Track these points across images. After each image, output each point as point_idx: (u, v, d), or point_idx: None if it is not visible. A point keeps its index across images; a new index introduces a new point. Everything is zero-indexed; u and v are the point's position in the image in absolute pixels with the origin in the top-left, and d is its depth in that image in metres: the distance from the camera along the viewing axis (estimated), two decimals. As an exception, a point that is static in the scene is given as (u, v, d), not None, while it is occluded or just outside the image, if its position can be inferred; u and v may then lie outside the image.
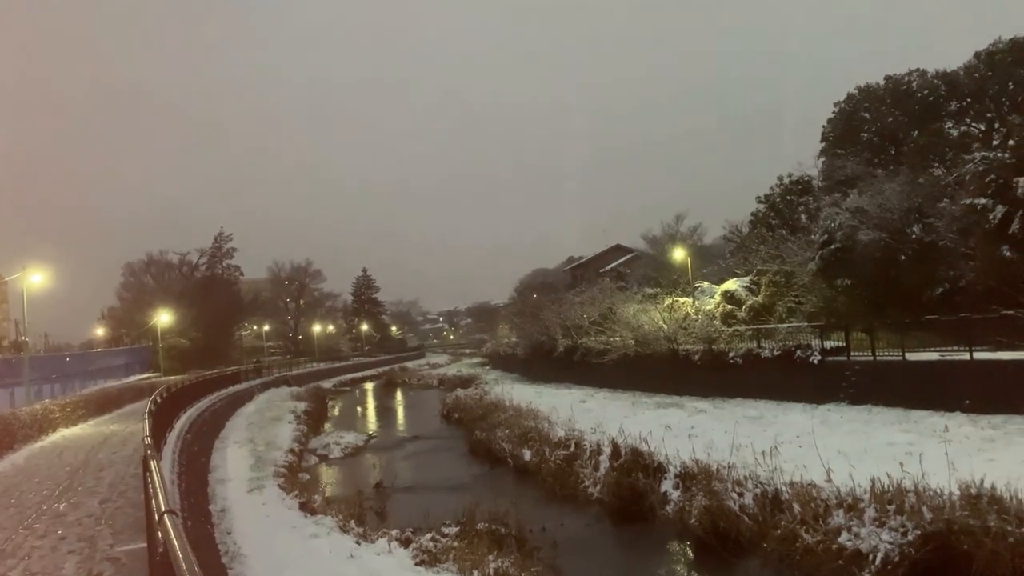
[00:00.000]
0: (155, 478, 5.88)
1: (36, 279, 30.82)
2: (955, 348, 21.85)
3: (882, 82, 43.97)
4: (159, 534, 4.21)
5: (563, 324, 48.52)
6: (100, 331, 69.48)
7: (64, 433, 22.51)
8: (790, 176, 42.85)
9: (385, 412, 48.14)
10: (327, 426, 38.57)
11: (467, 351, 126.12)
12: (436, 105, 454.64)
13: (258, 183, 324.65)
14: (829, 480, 13.34)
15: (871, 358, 24.00)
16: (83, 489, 12.43)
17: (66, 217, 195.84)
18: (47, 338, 60.35)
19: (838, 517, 12.14)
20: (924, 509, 11.17)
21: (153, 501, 5.42)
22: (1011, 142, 23.34)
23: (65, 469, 14.90)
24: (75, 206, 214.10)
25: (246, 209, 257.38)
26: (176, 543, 3.43)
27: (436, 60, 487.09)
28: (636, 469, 17.44)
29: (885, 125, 43.16)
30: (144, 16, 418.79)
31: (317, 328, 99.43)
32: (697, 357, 32.12)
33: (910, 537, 10.83)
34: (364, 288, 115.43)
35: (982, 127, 40.75)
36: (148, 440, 9.98)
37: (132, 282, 74.37)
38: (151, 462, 6.88)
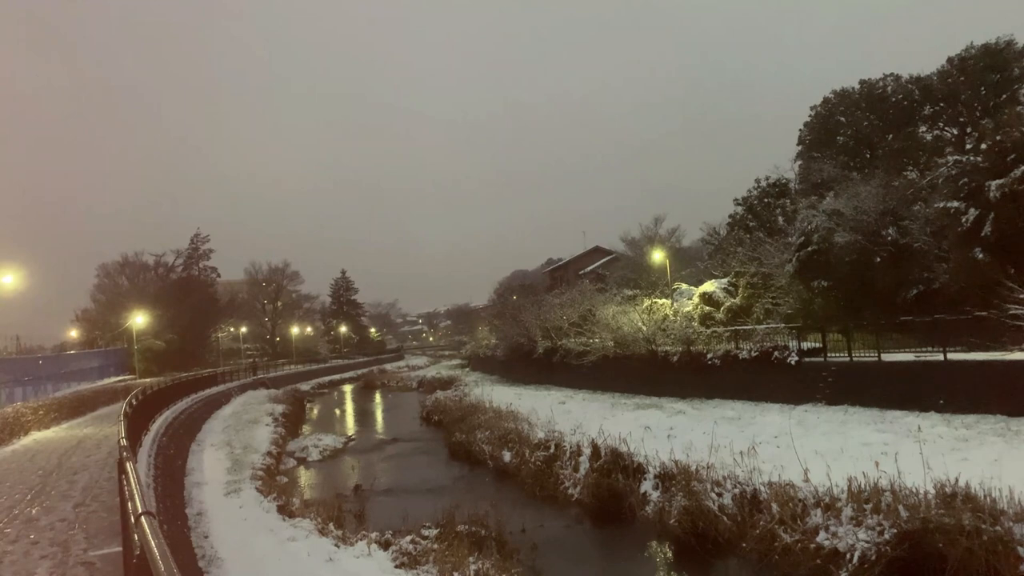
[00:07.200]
0: (131, 480, 5.78)
1: (7, 280, 30.27)
2: (929, 349, 22.17)
3: (857, 86, 44.59)
4: (135, 536, 4.13)
5: (543, 326, 48.50)
6: (74, 333, 68.27)
7: (36, 436, 22.12)
8: (767, 178, 43.24)
9: (364, 414, 47.78)
10: (305, 429, 38.20)
11: (447, 353, 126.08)
12: (426, 111, 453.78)
13: (236, 187, 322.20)
14: (807, 480, 13.50)
15: (847, 359, 24.27)
16: (56, 493, 12.22)
17: (36, 217, 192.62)
18: (18, 340, 59.21)
19: (816, 516, 12.27)
20: (900, 508, 11.33)
21: (129, 503, 5.33)
22: (983, 146, 23.67)
23: (37, 473, 14.63)
24: (44, 205, 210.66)
25: (222, 211, 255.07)
26: (154, 544, 3.36)
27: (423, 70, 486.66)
28: (616, 470, 17.50)
29: (860, 129, 43.73)
30: (134, 17, 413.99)
31: (295, 330, 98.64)
32: (676, 358, 32.29)
33: (887, 536, 10.96)
34: (343, 290, 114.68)
35: (955, 131, 41.50)
36: (124, 442, 9.83)
37: (107, 283, 73.20)
38: (127, 464, 6.77)
